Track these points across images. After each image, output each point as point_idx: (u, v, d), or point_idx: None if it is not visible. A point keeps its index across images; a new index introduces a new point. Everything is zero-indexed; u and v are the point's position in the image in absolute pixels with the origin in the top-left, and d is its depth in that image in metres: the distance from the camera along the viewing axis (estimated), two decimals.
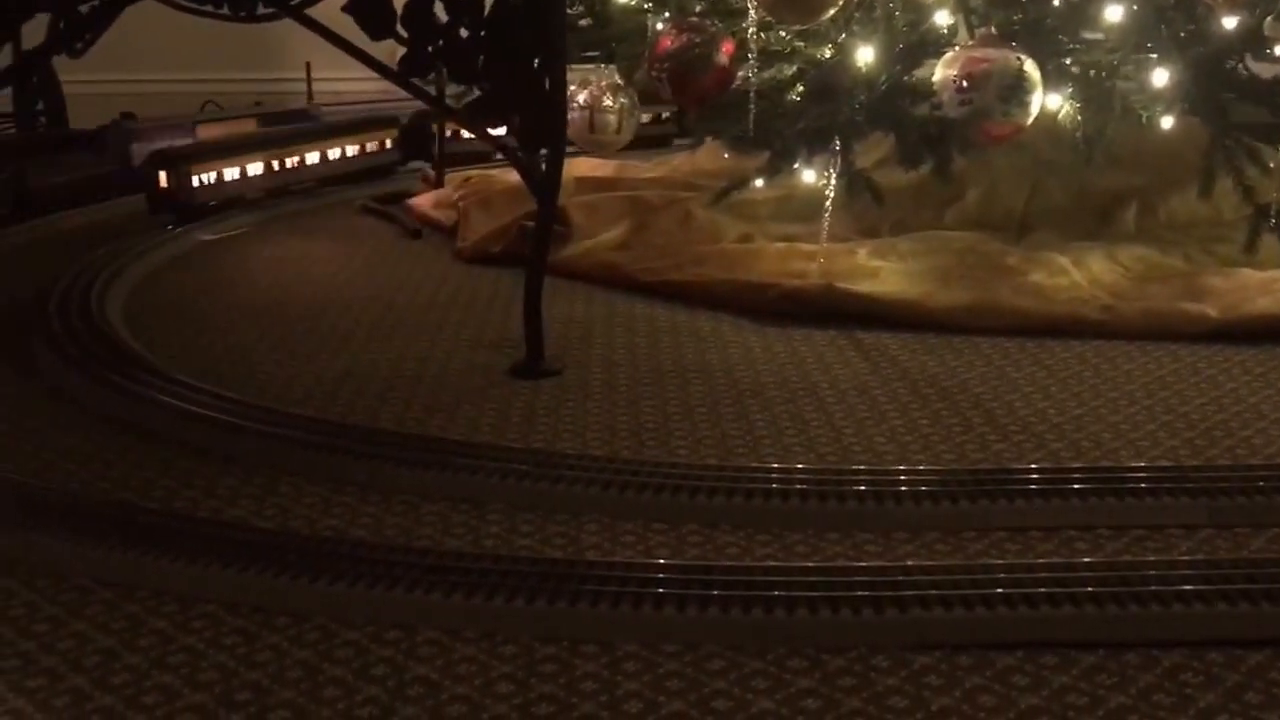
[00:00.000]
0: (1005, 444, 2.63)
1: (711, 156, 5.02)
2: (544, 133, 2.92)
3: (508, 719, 1.69)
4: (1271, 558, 2.07)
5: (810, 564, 2.10)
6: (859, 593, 1.93)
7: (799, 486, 2.34)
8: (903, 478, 2.37)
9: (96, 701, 1.74)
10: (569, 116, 4.73)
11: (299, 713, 1.70)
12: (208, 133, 5.13)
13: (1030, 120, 3.71)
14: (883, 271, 3.73)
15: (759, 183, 4.01)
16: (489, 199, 4.49)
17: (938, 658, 1.82)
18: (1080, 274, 3.71)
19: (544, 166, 2.96)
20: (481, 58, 2.80)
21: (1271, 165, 3.81)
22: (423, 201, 4.81)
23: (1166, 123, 3.80)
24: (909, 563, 2.08)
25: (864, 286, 3.60)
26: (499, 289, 3.78)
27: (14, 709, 1.72)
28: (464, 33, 2.78)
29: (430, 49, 2.78)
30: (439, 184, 5.02)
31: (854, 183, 3.90)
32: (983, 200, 4.42)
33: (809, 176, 3.83)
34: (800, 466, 2.47)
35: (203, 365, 3.12)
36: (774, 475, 2.39)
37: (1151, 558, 2.08)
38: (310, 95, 6.72)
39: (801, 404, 2.87)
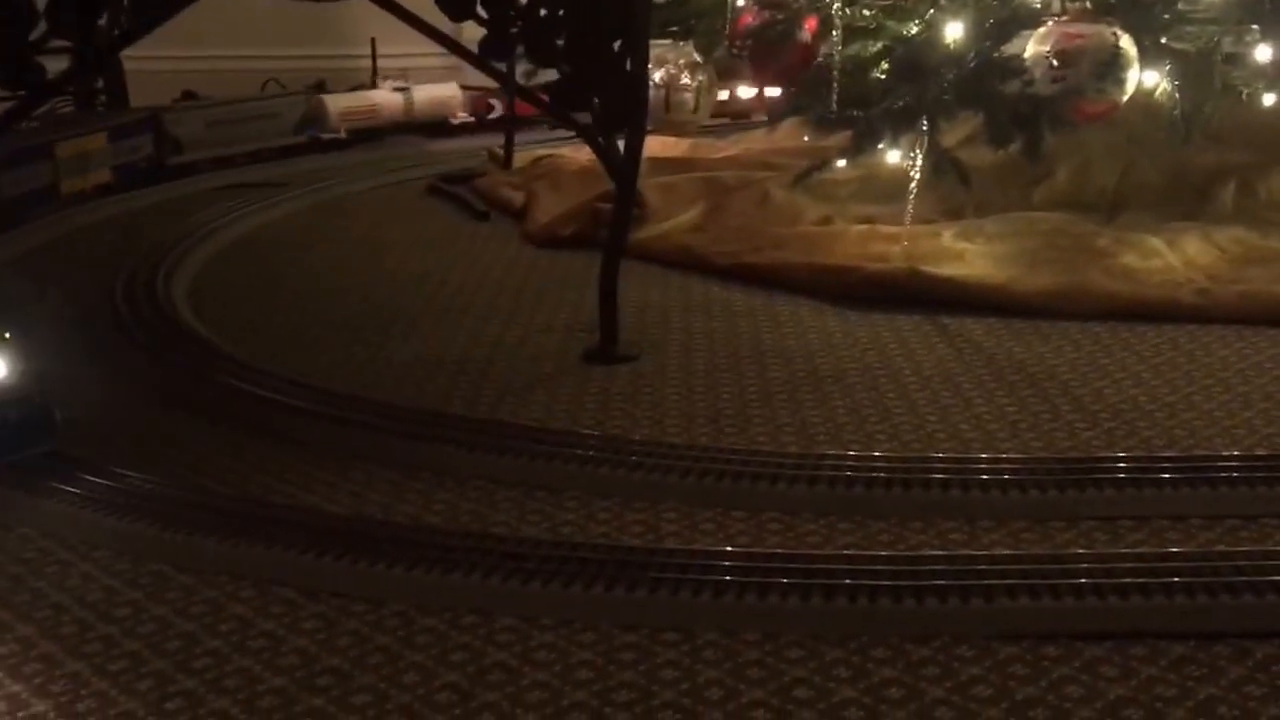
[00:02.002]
0: (1094, 431, 2.66)
1: (789, 135, 5.05)
2: (624, 115, 2.97)
3: (588, 705, 1.75)
4: None
5: (893, 552, 2.14)
6: (943, 581, 1.97)
7: (881, 474, 2.38)
8: (987, 466, 2.40)
9: (179, 685, 1.83)
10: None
11: (380, 697, 1.78)
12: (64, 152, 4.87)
13: (1126, 98, 3.72)
14: (968, 254, 3.75)
15: (841, 163, 4.05)
16: (560, 180, 4.57)
17: (1024, 648, 1.86)
18: (1174, 256, 3.70)
19: (623, 148, 3.02)
20: (562, 39, 2.86)
21: None
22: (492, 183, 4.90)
23: (1269, 100, 3.79)
24: (994, 551, 2.12)
25: (949, 270, 3.63)
26: (570, 272, 3.85)
27: (98, 691, 1.81)
28: (543, 13, 2.84)
29: (511, 30, 2.84)
30: (508, 164, 5.11)
31: (939, 163, 3.92)
32: (1073, 179, 4.41)
33: (894, 157, 3.86)
34: (882, 454, 2.51)
35: (270, 349, 3.22)
36: (856, 462, 2.43)
37: (1245, 548, 2.10)
38: (375, 72, 6.85)
39: (884, 390, 2.92)
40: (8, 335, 2.39)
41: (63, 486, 2.38)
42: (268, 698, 1.80)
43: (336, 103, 6.08)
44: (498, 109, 6.29)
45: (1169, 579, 1.95)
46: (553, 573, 2.04)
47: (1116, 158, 4.42)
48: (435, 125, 6.37)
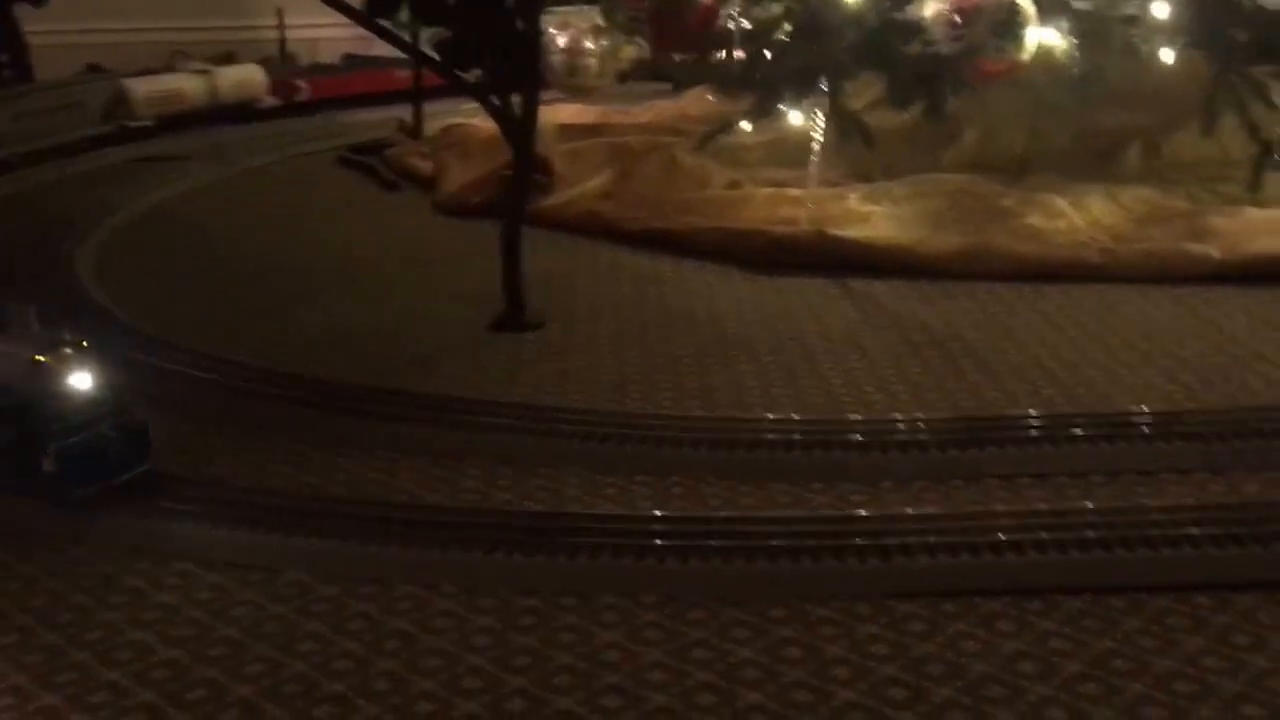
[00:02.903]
0: (999, 392, 2.67)
1: (698, 101, 5.04)
2: (518, 76, 2.93)
3: (484, 671, 1.73)
4: (1264, 501, 2.11)
5: (794, 514, 2.13)
6: (842, 541, 1.97)
7: (784, 437, 2.37)
8: (890, 427, 2.40)
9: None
10: (548, 60, 4.76)
11: (274, 666, 1.75)
12: None
13: (1026, 56, 3.73)
14: (874, 217, 3.76)
15: (746, 127, 4.03)
16: (469, 149, 4.51)
17: (921, 604, 1.86)
18: (1079, 216, 3.73)
19: (519, 112, 2.98)
20: None
21: (1277, 100, 3.83)
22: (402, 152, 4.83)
23: (1167, 58, 3.82)
24: (894, 511, 2.12)
25: (855, 232, 3.63)
26: (479, 241, 3.79)
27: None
28: None
29: None
30: (417, 134, 5.04)
31: (844, 125, 3.92)
32: (980, 142, 4.44)
33: (796, 118, 3.85)
34: (786, 417, 2.50)
35: (174, 322, 3.15)
36: (759, 426, 2.43)
37: (1143, 503, 2.11)
38: (283, 44, 6.73)
39: (790, 354, 2.91)
40: (85, 343, 2.21)
41: None
42: (159, 669, 1.75)
43: (140, 88, 5.61)
44: (304, 91, 6.11)
45: (1065, 534, 1.96)
46: (452, 540, 2.01)
47: (1023, 120, 4.44)
48: (242, 110, 6.03)
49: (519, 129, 2.96)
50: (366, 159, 4.87)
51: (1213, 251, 3.40)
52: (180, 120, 5.63)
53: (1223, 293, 3.26)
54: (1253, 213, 3.62)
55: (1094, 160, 4.29)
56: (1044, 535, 1.98)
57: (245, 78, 6.08)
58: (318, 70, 6.51)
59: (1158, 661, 1.71)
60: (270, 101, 6.09)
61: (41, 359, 2.15)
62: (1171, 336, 2.96)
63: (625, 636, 1.80)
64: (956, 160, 4.34)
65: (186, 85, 5.80)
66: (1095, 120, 4.34)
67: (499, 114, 2.95)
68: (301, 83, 6.13)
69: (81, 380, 2.16)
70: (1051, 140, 4.41)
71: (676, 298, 3.34)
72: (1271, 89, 3.81)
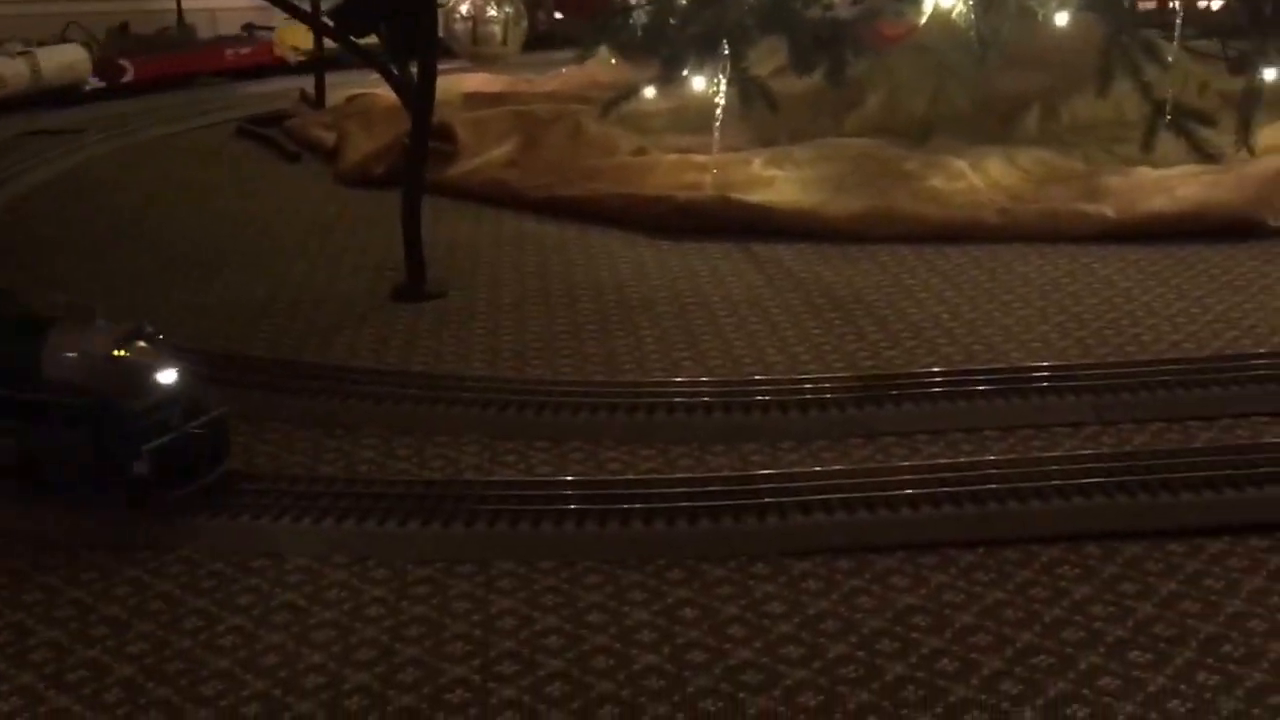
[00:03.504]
0: (896, 350, 2.67)
1: (605, 68, 5.01)
2: (414, 42, 2.88)
3: (377, 641, 1.70)
4: (1151, 451, 2.13)
5: (692, 475, 2.12)
6: (741, 502, 1.96)
7: (684, 400, 2.36)
8: (789, 387, 2.39)
9: None
10: (452, 28, 4.70)
11: (158, 644, 1.70)
12: None
13: (924, 19, 3.75)
14: (778, 181, 3.75)
15: (650, 93, 4.01)
16: (372, 119, 4.44)
17: (817, 562, 1.86)
18: (979, 177, 3.76)
19: (417, 79, 2.93)
20: None
21: (1170, 60, 3.88)
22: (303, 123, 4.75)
23: (1061, 19, 3.85)
24: (792, 470, 2.11)
25: (758, 196, 3.63)
26: (382, 211, 3.75)
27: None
28: None
29: None
30: (320, 104, 4.95)
31: (747, 90, 3.92)
32: (883, 106, 4.46)
33: (699, 83, 3.83)
34: (686, 380, 2.48)
35: (72, 295, 3.06)
36: (658, 390, 2.41)
37: (1035, 455, 2.12)
38: (180, 15, 6.57)
39: (692, 318, 2.90)
40: (160, 334, 2.03)
41: None
42: (39, 651, 1.70)
43: None
44: (129, 73, 5.90)
45: (959, 489, 1.97)
46: (347, 511, 1.98)
47: (925, 85, 4.47)
48: (66, 92, 5.78)
49: (417, 97, 2.91)
50: (266, 131, 4.77)
51: (1107, 211, 3.43)
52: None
53: (1117, 250, 3.30)
54: (1146, 172, 3.67)
55: (995, 124, 4.33)
56: (939, 490, 1.98)
57: (71, 60, 5.80)
58: (145, 49, 6.25)
59: (1047, 611, 1.72)
60: (95, 84, 5.84)
61: (120, 353, 1.97)
62: (1067, 294, 2.99)
63: (522, 603, 1.78)
64: (860, 125, 4.36)
65: (5, 69, 5.50)
66: (996, 84, 4.39)
67: (396, 82, 2.90)
68: (126, 63, 5.89)
69: (166, 375, 1.99)
70: (953, 104, 4.45)
71: (581, 264, 3.31)
72: (1164, 50, 3.85)
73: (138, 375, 1.97)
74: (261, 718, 1.55)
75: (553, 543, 1.90)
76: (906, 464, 2.12)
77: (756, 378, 2.50)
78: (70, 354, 1.98)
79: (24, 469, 2.01)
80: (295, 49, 5.73)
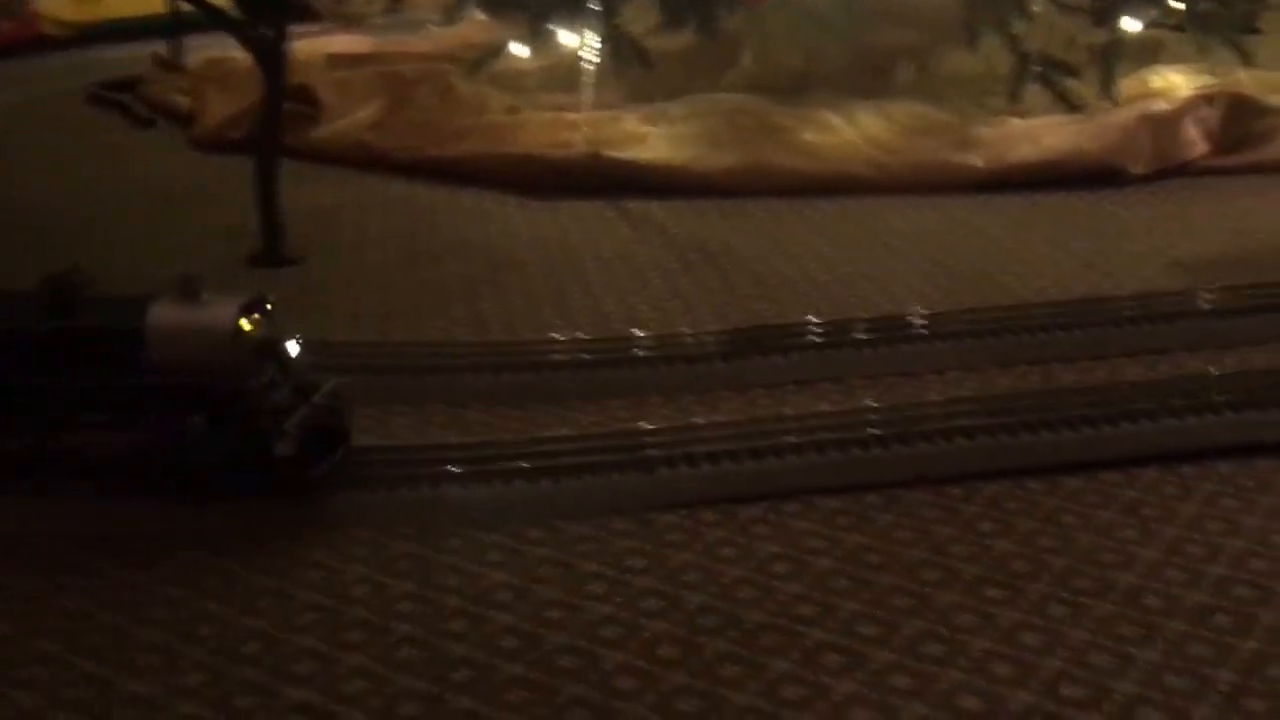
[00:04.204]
0: (766, 303, 2.68)
1: (478, 27, 4.94)
2: (267, 3, 2.81)
3: (219, 617, 1.65)
4: (1012, 393, 2.16)
5: (555, 434, 2.10)
6: (601, 458, 1.95)
7: (548, 358, 2.34)
8: (655, 343, 2.38)
9: None
10: None
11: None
12: None
13: None
14: (651, 137, 3.73)
15: (522, 51, 3.96)
16: (229, 82, 4.32)
17: (682, 515, 1.85)
18: (852, 131, 3.77)
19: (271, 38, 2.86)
20: None
21: (1036, 11, 3.93)
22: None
23: None
24: (657, 425, 2.10)
25: (631, 154, 3.60)
26: (238, 177, 3.62)
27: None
28: None
29: None
30: (176, 68, 4.82)
31: (620, 48, 3.89)
32: (758, 62, 4.45)
33: (568, 40, 3.80)
34: (551, 338, 2.45)
35: None
36: (523, 349, 2.38)
37: (899, 402, 2.14)
38: None
39: (563, 277, 2.87)
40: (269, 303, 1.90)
41: None
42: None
43: None
44: None
45: (818, 436, 1.98)
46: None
47: (800, 40, 4.47)
48: None
49: (268, 58, 2.84)
50: (120, 96, 4.63)
51: (976, 161, 3.47)
52: None
53: (986, 200, 3.34)
54: (1014, 123, 3.72)
55: (869, 78, 4.35)
56: (805, 439, 1.99)
57: None
58: None
59: (908, 552, 1.74)
60: None
61: (246, 326, 1.84)
62: (936, 243, 3.02)
63: (375, 570, 1.75)
64: (736, 82, 4.35)
65: None
66: (870, 39, 4.40)
67: (250, 43, 2.82)
68: None
69: (291, 347, 1.90)
70: (828, 60, 4.45)
71: (449, 226, 3.27)
72: (1029, 2, 3.90)
73: (268, 349, 1.87)
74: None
75: (410, 507, 1.88)
76: (771, 413, 2.13)
77: (626, 334, 2.48)
78: (190, 331, 1.83)
79: (141, 462, 1.87)
80: (60, 22, 5.45)
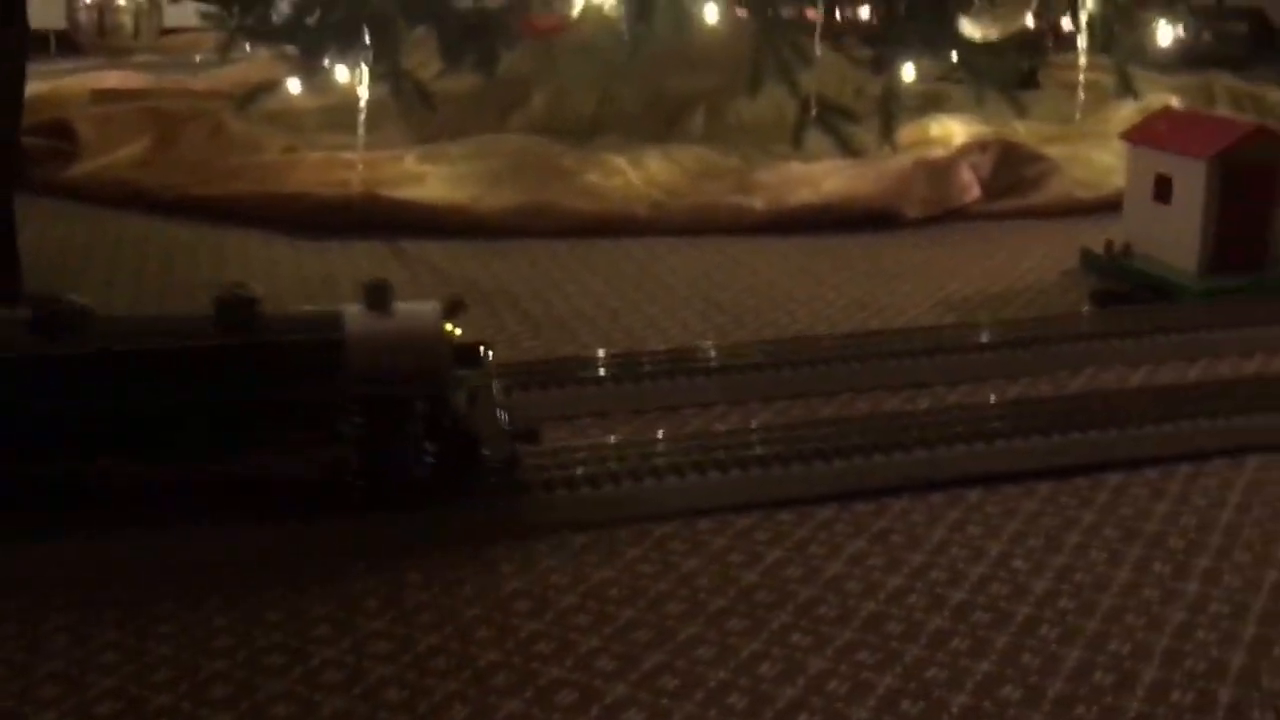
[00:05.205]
0: (537, 341, 2.65)
1: (258, 66, 4.85)
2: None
3: None
4: (768, 426, 2.16)
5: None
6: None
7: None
8: None
9: None
10: (75, 18, 4.44)
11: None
12: None
13: (576, 12, 3.77)
14: (430, 177, 3.70)
15: (294, 86, 3.88)
16: None
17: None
18: (636, 174, 3.80)
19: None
20: None
21: (816, 60, 4.03)
22: None
23: (710, 15, 3.94)
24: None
25: (408, 193, 3.56)
26: None
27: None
28: None
29: None
30: None
31: (400, 86, 3.85)
32: (549, 105, 4.46)
33: (343, 76, 3.75)
34: None
35: None
36: None
37: (653, 437, 2.12)
38: None
39: None
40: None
41: None
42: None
43: None
44: None
45: (577, 472, 1.96)
46: None
47: (593, 85, 4.50)
48: None
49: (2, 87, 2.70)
50: None
51: (756, 204, 3.53)
52: None
53: (766, 242, 3.39)
54: (795, 167, 3.79)
55: (662, 124, 4.40)
56: (557, 474, 1.95)
57: None
58: None
59: (653, 586, 1.71)
60: None
61: (454, 330, 1.85)
62: (712, 283, 3.04)
63: (185, 608, 1.64)
64: (525, 123, 4.35)
65: None
66: (664, 85, 4.46)
67: None
68: None
69: (486, 350, 1.92)
70: (621, 105, 4.50)
71: (209, 266, 3.17)
72: (811, 51, 4.00)
73: (473, 353, 1.88)
74: None
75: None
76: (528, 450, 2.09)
77: None
78: (394, 339, 1.80)
79: (347, 477, 1.83)
80: None
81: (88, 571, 1.72)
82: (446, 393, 1.85)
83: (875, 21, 4.55)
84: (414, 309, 1.86)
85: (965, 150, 3.80)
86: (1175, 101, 4.54)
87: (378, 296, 1.85)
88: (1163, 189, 2.95)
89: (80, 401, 1.77)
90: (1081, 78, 4.47)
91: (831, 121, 3.91)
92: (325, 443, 1.83)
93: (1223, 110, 4.81)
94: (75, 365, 1.76)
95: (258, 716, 1.43)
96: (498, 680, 1.50)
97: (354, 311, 1.84)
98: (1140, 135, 3.09)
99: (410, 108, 4.03)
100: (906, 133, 4.00)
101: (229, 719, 1.43)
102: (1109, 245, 3.04)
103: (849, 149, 3.88)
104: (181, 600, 1.66)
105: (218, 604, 1.65)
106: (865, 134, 3.98)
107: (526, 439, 1.91)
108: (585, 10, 3.72)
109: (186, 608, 1.65)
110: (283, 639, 1.58)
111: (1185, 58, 5.12)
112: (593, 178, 3.74)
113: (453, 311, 1.88)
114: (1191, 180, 2.87)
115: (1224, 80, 5.15)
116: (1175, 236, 2.91)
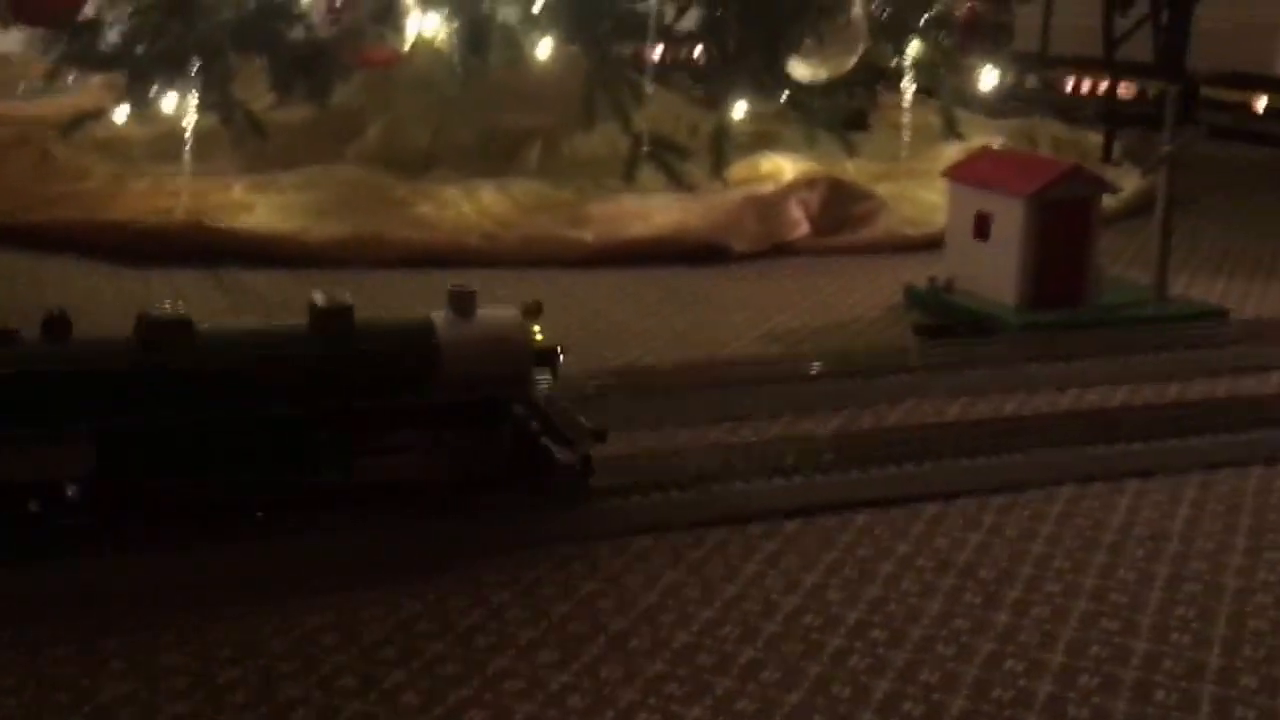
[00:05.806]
0: None
1: (92, 94, 4.67)
2: None
3: None
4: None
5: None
6: None
7: None
8: None
9: None
10: None
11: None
12: None
13: (408, 45, 3.71)
14: (259, 206, 3.60)
15: (120, 115, 3.75)
16: None
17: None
18: (469, 205, 3.76)
19: None
20: None
21: (648, 97, 4.04)
22: None
23: (544, 50, 3.92)
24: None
25: (235, 222, 3.46)
26: None
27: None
28: None
29: None
30: None
31: (233, 116, 3.75)
32: (385, 138, 4.38)
33: (171, 104, 3.63)
34: None
35: None
36: None
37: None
38: None
39: None
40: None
41: None
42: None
43: None
44: None
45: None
46: None
47: (428, 118, 4.44)
48: None
49: None
50: None
51: (587, 236, 3.51)
52: None
53: (598, 274, 3.38)
54: (627, 201, 3.79)
55: (499, 158, 4.36)
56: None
57: None
58: None
59: (461, 621, 1.66)
60: None
61: (535, 328, 1.87)
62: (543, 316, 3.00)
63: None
64: (360, 155, 4.27)
65: None
66: (500, 119, 4.42)
67: None
68: None
69: (562, 353, 1.91)
70: (457, 138, 4.44)
71: (26, 294, 3.05)
72: (642, 86, 4.01)
73: (552, 357, 1.87)
74: None
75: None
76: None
77: None
78: (484, 344, 1.83)
79: (440, 482, 1.84)
80: None
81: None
82: (535, 395, 1.89)
83: (706, 61, 4.58)
84: (496, 314, 1.89)
85: (794, 186, 3.83)
86: (998, 143, 4.65)
87: (462, 303, 1.87)
88: (982, 226, 3.01)
89: (189, 415, 1.74)
90: (907, 118, 4.56)
91: (664, 157, 3.92)
92: (420, 449, 1.84)
93: (1045, 153, 4.94)
94: (182, 379, 1.74)
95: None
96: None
97: (440, 318, 1.86)
98: (961, 173, 3.15)
99: (242, 138, 3.93)
100: (738, 169, 4.03)
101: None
102: (932, 280, 3.08)
103: (681, 184, 3.89)
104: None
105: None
106: (697, 170, 4.00)
107: (598, 438, 1.92)
108: (417, 43, 3.65)
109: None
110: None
111: (1010, 101, 5.26)
112: (425, 209, 3.68)
113: (532, 315, 1.90)
114: (1010, 217, 2.93)
115: (1049, 125, 5.30)
116: (995, 272, 2.97)
